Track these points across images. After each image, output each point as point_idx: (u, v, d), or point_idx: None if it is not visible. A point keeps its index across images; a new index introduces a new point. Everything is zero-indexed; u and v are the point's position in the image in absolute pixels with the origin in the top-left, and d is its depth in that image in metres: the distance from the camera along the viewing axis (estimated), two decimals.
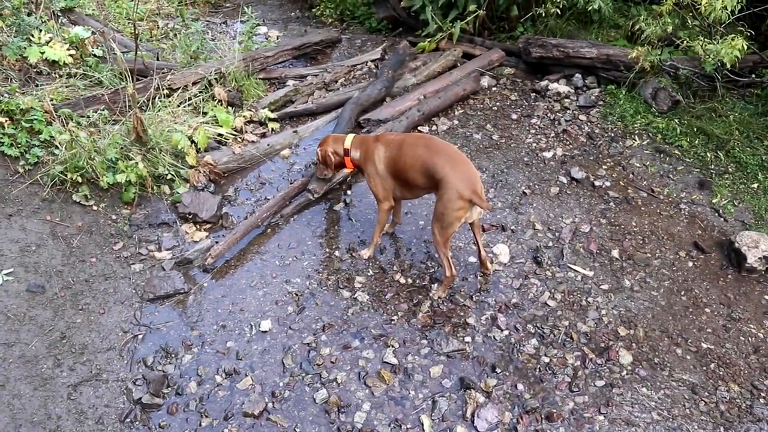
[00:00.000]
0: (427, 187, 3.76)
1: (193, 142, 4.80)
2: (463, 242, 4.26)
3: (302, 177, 4.83)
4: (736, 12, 4.69)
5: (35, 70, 5.16)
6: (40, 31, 5.29)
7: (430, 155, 3.61)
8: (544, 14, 6.08)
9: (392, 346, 3.50)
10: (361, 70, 6.61)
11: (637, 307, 3.79)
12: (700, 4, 4.60)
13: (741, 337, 3.61)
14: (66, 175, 4.26)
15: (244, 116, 5.42)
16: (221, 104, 5.41)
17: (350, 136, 4.06)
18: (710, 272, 4.07)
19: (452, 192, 3.47)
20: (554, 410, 3.15)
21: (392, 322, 3.67)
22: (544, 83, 6.08)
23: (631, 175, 4.93)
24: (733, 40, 4.59)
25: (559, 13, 6.07)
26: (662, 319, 3.72)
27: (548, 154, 5.18)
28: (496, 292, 3.89)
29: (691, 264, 4.13)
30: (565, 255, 4.15)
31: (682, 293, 3.91)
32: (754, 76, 5.44)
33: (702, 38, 4.93)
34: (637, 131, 5.38)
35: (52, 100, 4.80)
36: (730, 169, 4.89)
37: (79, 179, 4.30)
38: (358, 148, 3.99)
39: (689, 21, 5.24)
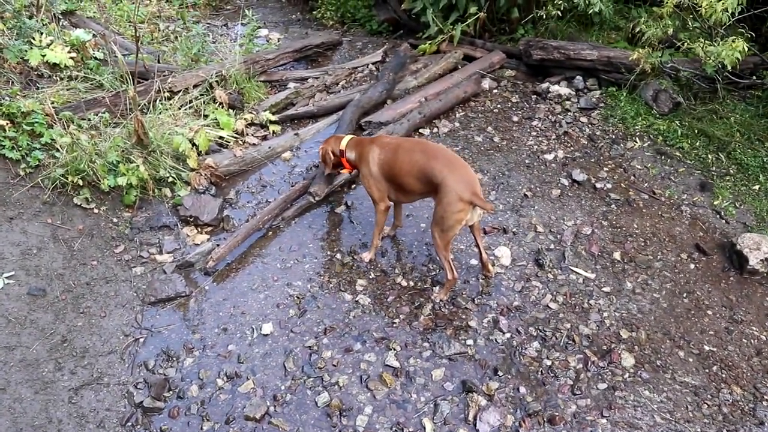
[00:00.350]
0: (423, 192, 3.77)
1: (194, 144, 4.80)
2: (464, 245, 4.26)
3: (303, 179, 4.83)
4: (737, 14, 4.68)
5: (36, 72, 5.16)
6: (41, 33, 5.29)
7: (427, 160, 3.61)
8: (544, 16, 6.09)
9: (394, 349, 3.50)
10: (362, 72, 6.61)
11: (639, 310, 3.79)
12: (701, 6, 4.60)
13: (743, 340, 3.61)
14: (67, 178, 4.25)
15: (245, 119, 5.43)
16: (222, 107, 5.41)
17: (347, 137, 4.10)
18: (712, 274, 4.07)
19: (452, 195, 3.47)
20: (557, 413, 3.15)
21: (394, 325, 3.67)
22: (545, 85, 6.08)
23: (632, 177, 4.92)
24: (733, 41, 4.59)
25: (560, 15, 6.08)
26: (664, 322, 3.71)
27: (549, 156, 5.17)
28: (498, 294, 3.89)
29: (692, 266, 4.13)
30: (566, 257, 4.14)
31: (684, 295, 3.90)
32: (754, 77, 5.43)
33: (703, 40, 4.92)
34: (638, 133, 5.38)
35: (53, 102, 4.80)
36: (731, 171, 4.88)
37: (80, 182, 4.30)
38: (354, 149, 4.02)
39: (690, 23, 5.24)
